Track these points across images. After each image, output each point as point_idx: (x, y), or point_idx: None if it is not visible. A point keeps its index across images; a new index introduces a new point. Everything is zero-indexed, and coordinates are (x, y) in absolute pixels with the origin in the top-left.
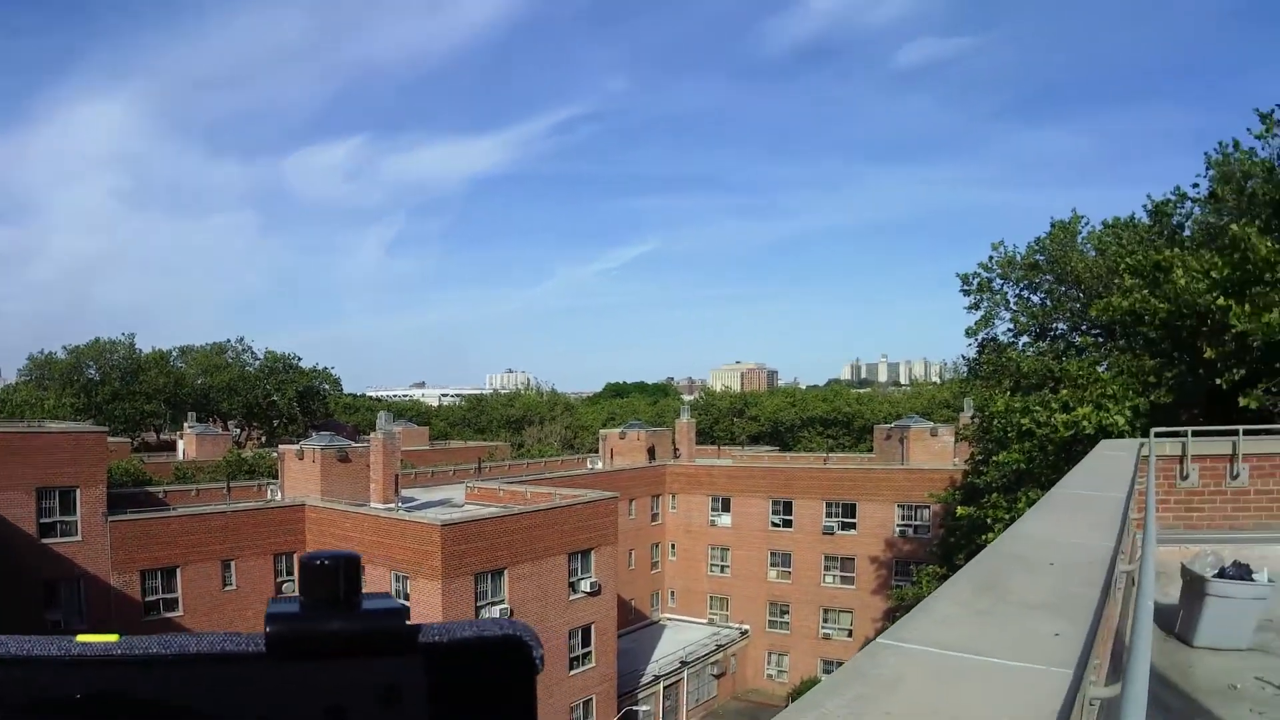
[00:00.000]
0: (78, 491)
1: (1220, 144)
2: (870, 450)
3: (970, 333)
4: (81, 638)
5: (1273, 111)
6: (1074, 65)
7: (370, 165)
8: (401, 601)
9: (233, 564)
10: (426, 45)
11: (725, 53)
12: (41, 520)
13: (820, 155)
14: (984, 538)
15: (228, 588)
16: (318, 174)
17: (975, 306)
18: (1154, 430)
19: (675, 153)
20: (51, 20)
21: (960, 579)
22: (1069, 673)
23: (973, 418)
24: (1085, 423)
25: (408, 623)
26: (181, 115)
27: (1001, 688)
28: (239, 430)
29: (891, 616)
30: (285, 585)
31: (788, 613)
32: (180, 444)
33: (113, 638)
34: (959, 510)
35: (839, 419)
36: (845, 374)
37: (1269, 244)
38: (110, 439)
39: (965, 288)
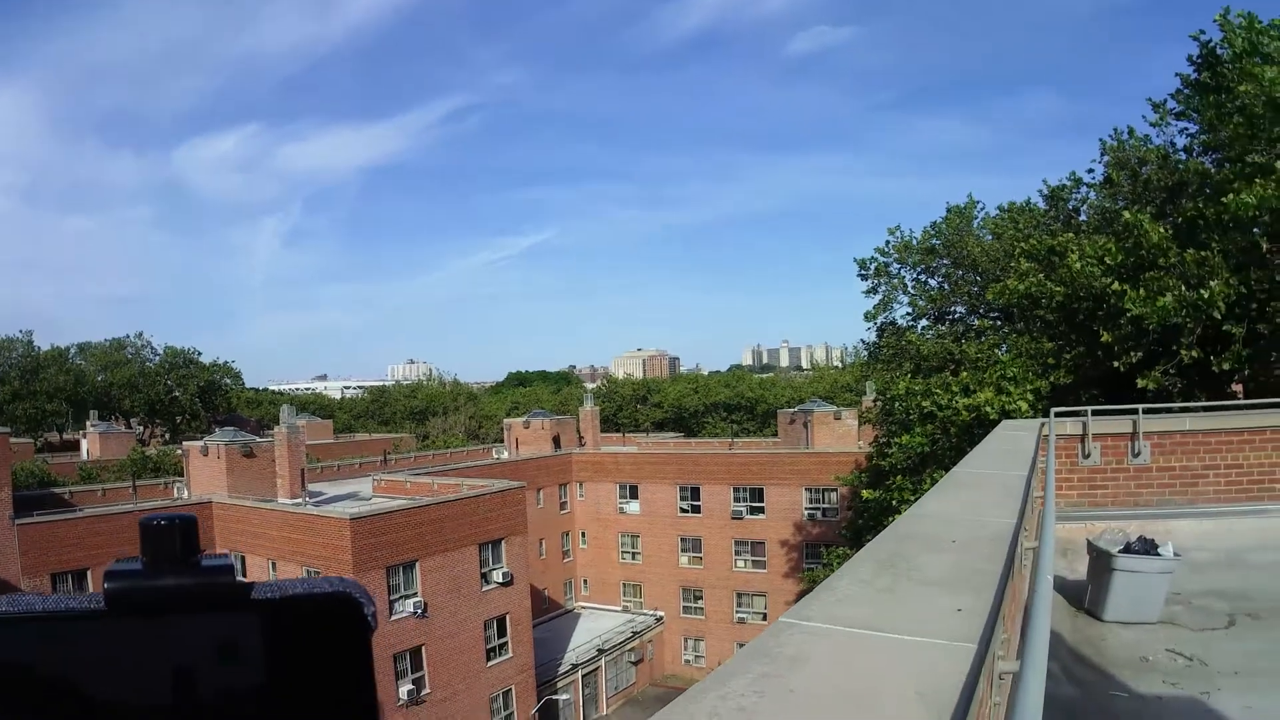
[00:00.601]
0: None
1: (1115, 130)
2: (775, 435)
3: (869, 317)
4: None
5: (1165, 101)
6: (964, 54)
7: (262, 156)
8: (232, 560)
9: None
10: (315, 36)
11: (616, 45)
12: None
13: (714, 145)
14: (891, 520)
15: None
16: (210, 166)
17: (873, 291)
18: (1054, 410)
19: (567, 145)
20: None
21: (861, 558)
22: (973, 646)
23: (875, 401)
24: (988, 408)
25: (240, 580)
26: (71, 109)
27: (906, 662)
28: (142, 428)
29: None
30: None
31: (701, 598)
32: (84, 443)
33: None
34: (864, 493)
35: (742, 404)
36: (747, 359)
37: (1161, 230)
38: (12, 440)
39: (863, 272)
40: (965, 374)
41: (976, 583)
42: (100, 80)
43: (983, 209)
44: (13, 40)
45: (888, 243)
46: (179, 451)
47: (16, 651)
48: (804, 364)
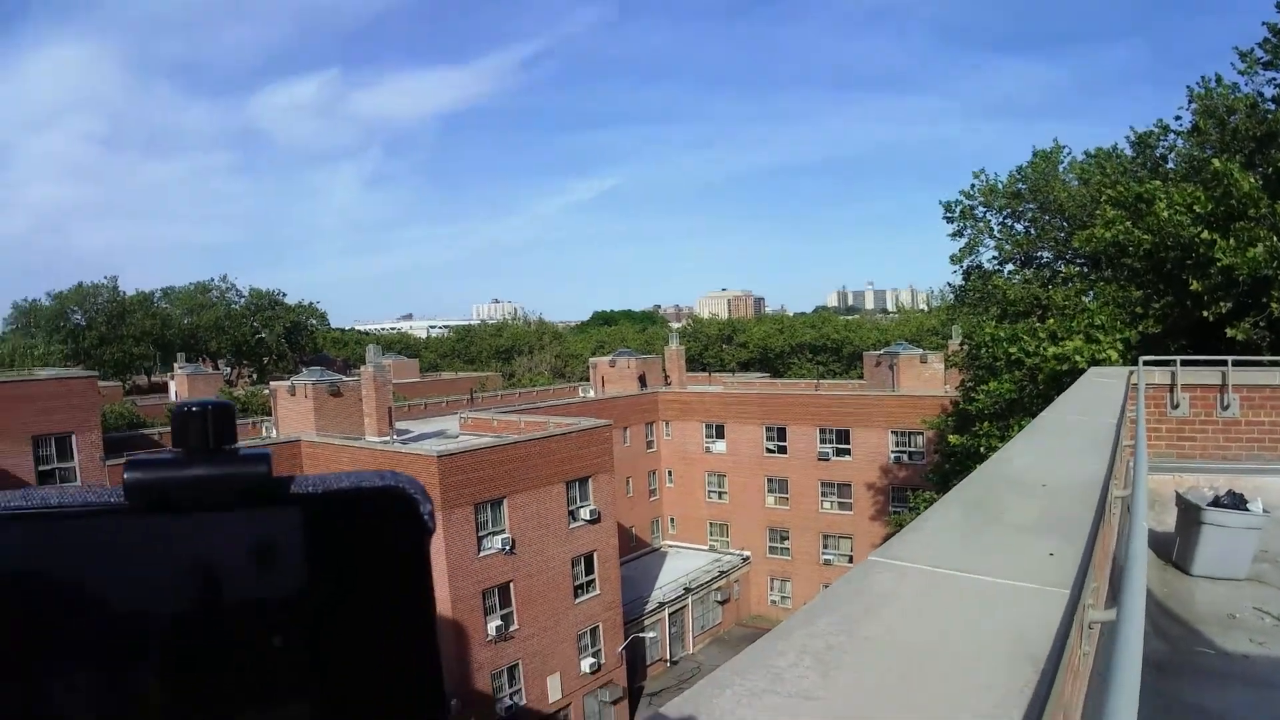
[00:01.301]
0: (73, 437)
1: (1203, 78)
2: (860, 377)
3: (955, 260)
4: None
5: (1252, 50)
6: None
7: (340, 101)
8: (270, 451)
9: None
10: None
11: None
12: (40, 468)
13: (800, 88)
14: (977, 466)
15: None
16: (289, 111)
17: (959, 234)
18: (1142, 359)
19: (644, 87)
20: None
21: (950, 500)
22: (1065, 593)
23: (961, 344)
24: (1077, 356)
25: (276, 473)
26: (147, 57)
27: (996, 604)
28: (229, 369)
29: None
30: None
31: (788, 539)
32: (171, 385)
33: None
34: (951, 438)
35: (828, 345)
36: (832, 301)
37: (1251, 180)
38: (101, 383)
39: (948, 215)
40: (1052, 321)
41: (1066, 529)
42: (177, 29)
43: (1069, 154)
44: None
45: (973, 186)
46: (266, 392)
47: (26, 551)
48: (889, 307)
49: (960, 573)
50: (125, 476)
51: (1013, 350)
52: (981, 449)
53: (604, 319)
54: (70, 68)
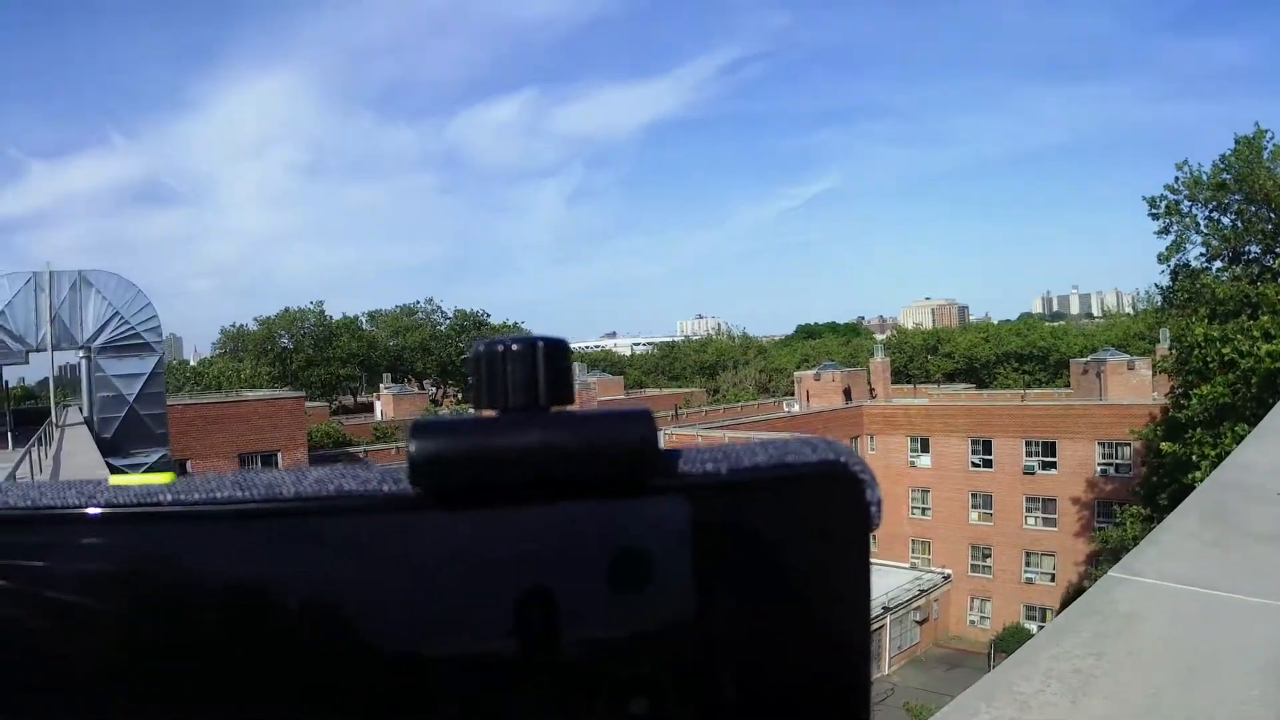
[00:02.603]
0: (279, 455)
1: None
2: (1067, 386)
3: (1162, 259)
4: (117, 479)
5: None
6: None
7: (542, 120)
8: (646, 409)
9: None
10: None
11: None
12: None
13: (991, 77)
14: (1190, 476)
15: None
16: (490, 132)
17: (1165, 231)
18: None
19: (842, 86)
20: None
21: (1185, 510)
22: None
23: (1170, 349)
24: None
25: (656, 443)
26: (347, 86)
27: (1248, 625)
28: (435, 389)
29: (1095, 560)
30: None
31: (989, 556)
32: (377, 405)
33: (165, 477)
34: (1163, 447)
35: (1034, 354)
36: (1037, 307)
37: None
38: (308, 403)
39: (1153, 211)
40: (1265, 318)
41: None
42: (379, 56)
43: (1272, 139)
44: (289, 26)
45: (1177, 179)
46: (471, 410)
47: (247, 566)
48: (1095, 310)
49: (1206, 590)
50: (412, 449)
51: (1225, 351)
52: (1193, 456)
53: (808, 332)
54: (274, 100)
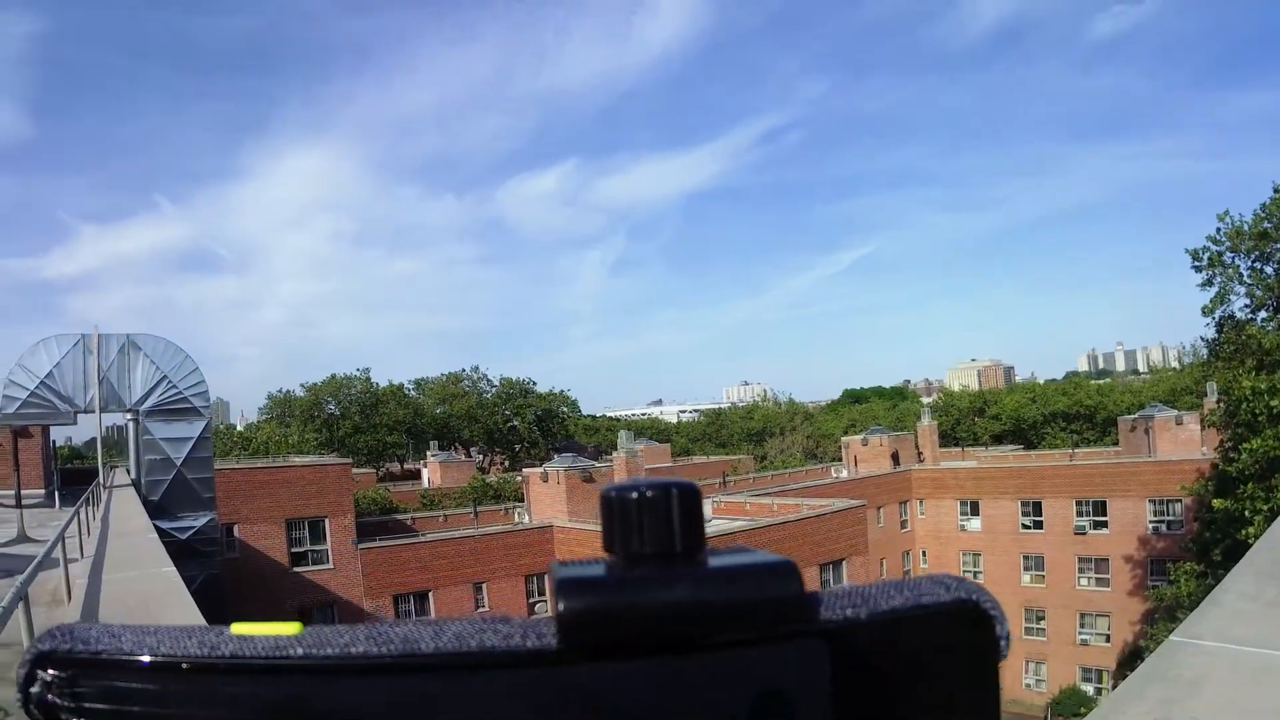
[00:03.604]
0: (327, 521)
1: None
2: (1115, 444)
3: (1206, 311)
4: (240, 627)
5: None
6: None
7: (584, 191)
8: (780, 556)
9: (484, 586)
10: (619, 68)
11: (915, 44)
12: (292, 550)
13: (1027, 140)
14: (1243, 531)
15: (480, 609)
16: (532, 203)
17: (1208, 283)
18: None
19: (880, 152)
20: (250, 81)
21: (1243, 569)
22: None
23: (1218, 402)
24: None
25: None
26: (391, 158)
27: None
28: (481, 456)
29: (1150, 619)
30: (537, 606)
31: (1043, 618)
32: (424, 472)
33: (293, 628)
34: (1214, 503)
35: (1081, 412)
36: (1082, 365)
37: None
38: (355, 470)
39: (1196, 264)
40: None
41: None
42: (419, 128)
43: None
44: (336, 99)
45: (1218, 229)
46: (519, 478)
47: (433, 709)
48: (1140, 366)
49: (1270, 650)
50: (561, 607)
51: (1273, 403)
52: (1245, 511)
53: (854, 396)
54: (321, 170)
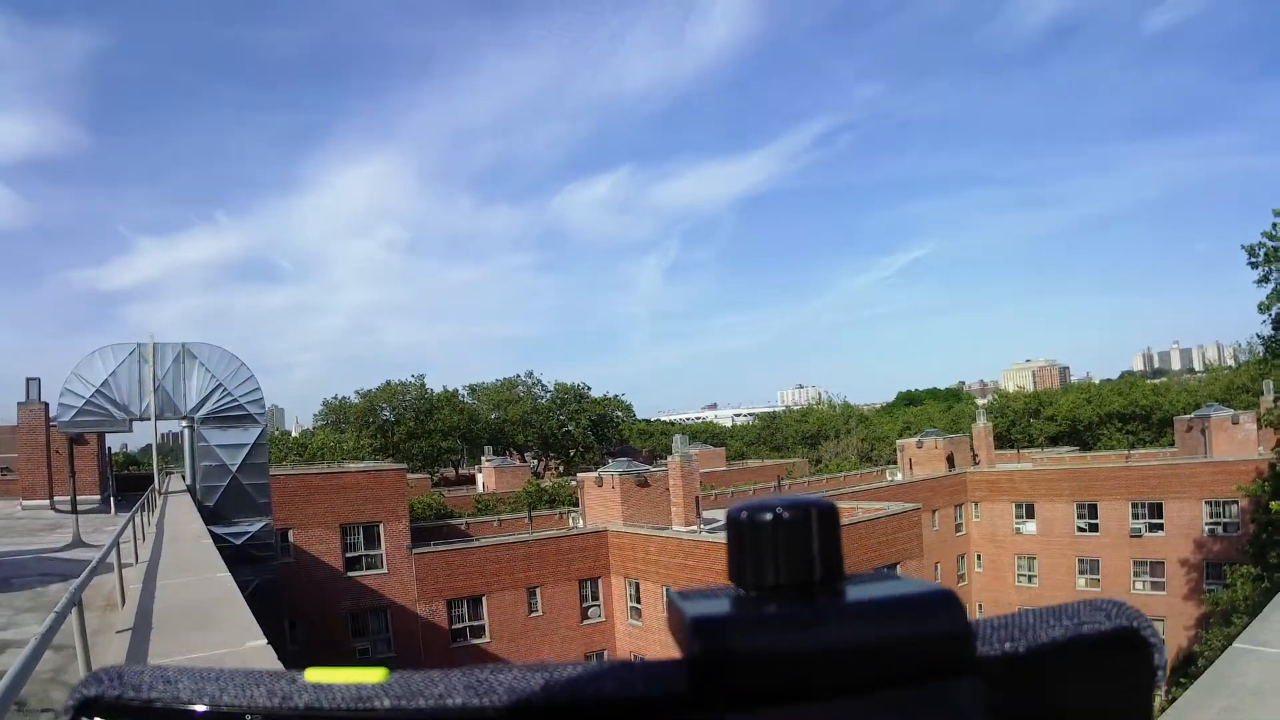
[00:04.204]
0: (381, 526)
1: None
2: (1171, 444)
3: (1262, 308)
4: (316, 674)
5: None
6: None
7: (639, 196)
8: (935, 584)
9: (538, 590)
10: (673, 73)
11: (969, 44)
12: (347, 555)
13: (1080, 138)
14: None
15: (534, 614)
16: (587, 210)
17: (1265, 280)
18: None
19: (935, 153)
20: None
21: None
22: None
23: (1275, 400)
24: None
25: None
26: (448, 167)
27: None
28: (536, 461)
29: (1205, 623)
30: (590, 609)
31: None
32: (479, 477)
33: (377, 674)
34: (1272, 505)
35: (1137, 413)
36: (1138, 364)
37: None
38: (410, 475)
39: (1252, 260)
40: None
41: None
42: (476, 137)
43: None
44: (393, 110)
45: (1275, 225)
46: (573, 483)
47: None
48: (1196, 365)
49: None
50: (696, 649)
51: None
52: None
53: (909, 399)
54: (377, 180)
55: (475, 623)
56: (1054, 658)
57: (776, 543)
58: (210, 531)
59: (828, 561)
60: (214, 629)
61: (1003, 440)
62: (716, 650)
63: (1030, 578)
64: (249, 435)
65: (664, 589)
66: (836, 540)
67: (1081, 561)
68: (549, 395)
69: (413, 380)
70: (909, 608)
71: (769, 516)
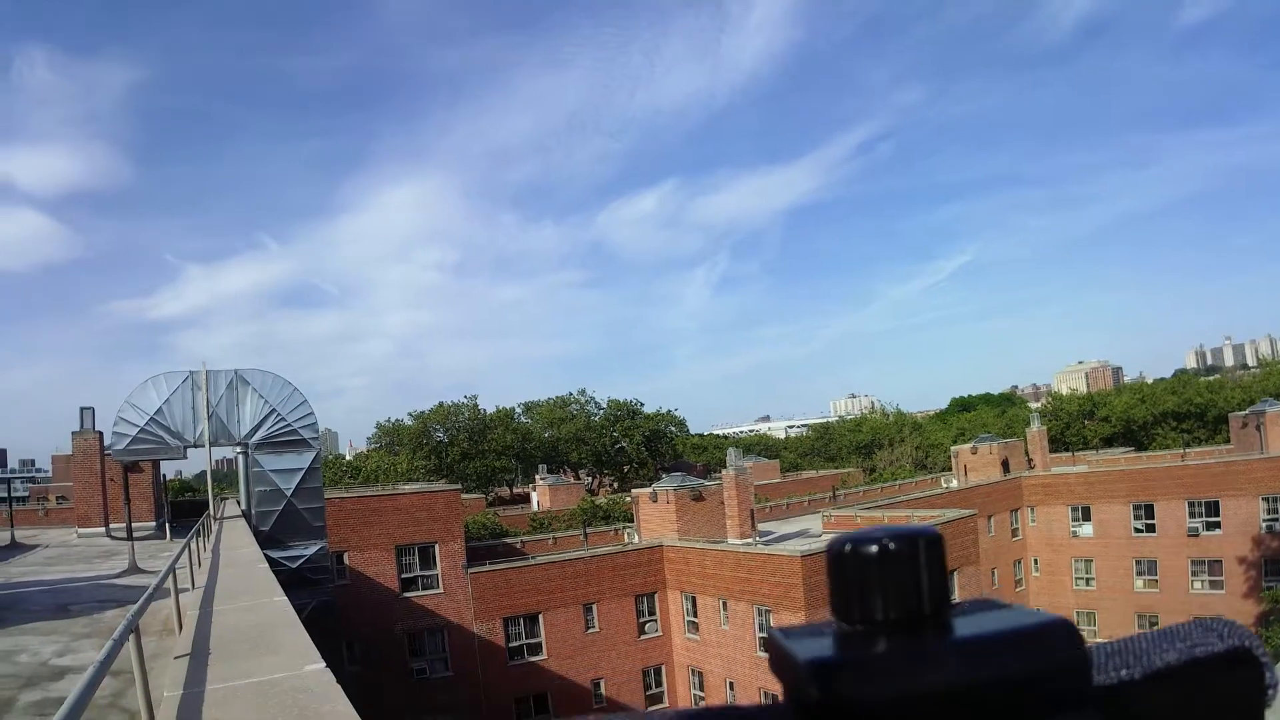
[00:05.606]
0: (436, 547)
1: None
2: (1227, 441)
3: None
4: None
5: None
6: None
7: (684, 211)
8: (1049, 614)
9: (594, 607)
10: (712, 86)
11: (1003, 45)
12: (403, 575)
13: (1117, 134)
14: None
15: (590, 630)
16: (633, 226)
17: None
18: None
19: (975, 157)
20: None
21: None
22: None
23: None
24: None
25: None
26: (491, 187)
27: None
28: (590, 478)
29: (1265, 621)
30: (647, 624)
31: (1156, 624)
32: (534, 495)
33: None
34: None
35: (1191, 411)
36: (1190, 362)
37: None
38: (464, 495)
39: None
40: None
41: None
42: (518, 157)
43: None
44: (434, 131)
45: None
46: (628, 499)
47: None
48: (1249, 360)
49: None
50: (814, 692)
51: None
52: None
53: (962, 405)
54: (421, 202)
55: (532, 640)
56: (1170, 683)
57: (884, 576)
58: (266, 555)
59: (936, 594)
60: (272, 652)
61: (1057, 443)
62: (837, 694)
63: (1088, 580)
64: (303, 460)
65: (719, 601)
66: (944, 571)
67: (1139, 563)
68: (602, 412)
69: (465, 401)
70: (1028, 640)
71: (874, 549)
